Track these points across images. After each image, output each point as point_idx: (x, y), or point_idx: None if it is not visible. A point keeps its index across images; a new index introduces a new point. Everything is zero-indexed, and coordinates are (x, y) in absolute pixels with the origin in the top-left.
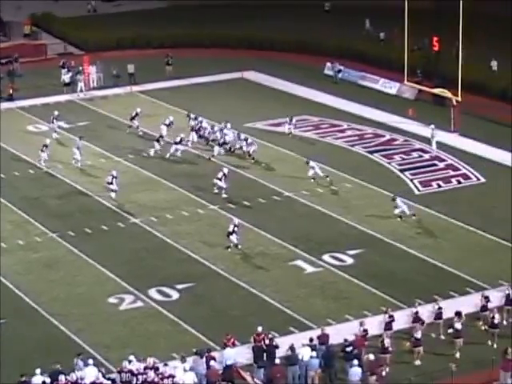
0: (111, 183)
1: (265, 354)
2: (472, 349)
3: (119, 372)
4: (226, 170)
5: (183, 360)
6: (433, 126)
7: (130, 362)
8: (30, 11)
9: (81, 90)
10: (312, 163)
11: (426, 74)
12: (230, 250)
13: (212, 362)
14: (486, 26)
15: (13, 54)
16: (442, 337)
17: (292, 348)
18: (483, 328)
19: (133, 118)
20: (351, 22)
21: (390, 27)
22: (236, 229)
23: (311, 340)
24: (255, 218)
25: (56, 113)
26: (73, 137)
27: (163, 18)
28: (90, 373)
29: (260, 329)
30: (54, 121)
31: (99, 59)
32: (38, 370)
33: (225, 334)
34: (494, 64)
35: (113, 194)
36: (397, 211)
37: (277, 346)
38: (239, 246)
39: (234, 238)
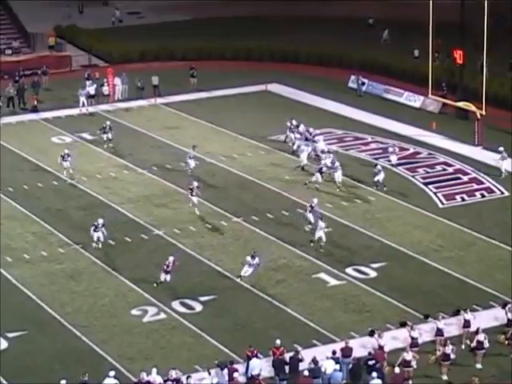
0: (96, 229)
1: (287, 367)
2: (495, 361)
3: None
4: (315, 201)
5: (209, 373)
6: (502, 149)
7: (147, 374)
8: (55, 23)
9: (83, 105)
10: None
11: (451, 87)
12: (156, 286)
13: (235, 374)
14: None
15: (37, 66)
16: (463, 346)
17: (315, 361)
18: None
19: (104, 133)
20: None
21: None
22: (171, 266)
23: (334, 353)
24: (278, 231)
25: (66, 151)
26: (96, 148)
27: (187, 30)
28: None
29: (278, 342)
30: (64, 159)
31: (123, 71)
32: (63, 382)
33: (248, 346)
34: None
35: (98, 245)
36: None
37: (300, 360)
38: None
39: (167, 277)
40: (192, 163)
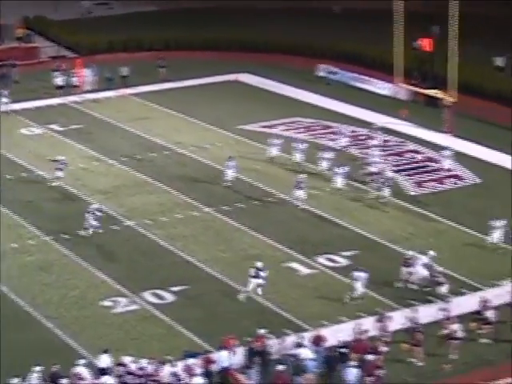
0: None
1: (259, 357)
2: (469, 348)
3: (118, 365)
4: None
5: (172, 364)
6: None
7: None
8: (23, 14)
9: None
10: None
11: (421, 75)
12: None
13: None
14: (477, 25)
15: (6, 58)
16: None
17: (287, 349)
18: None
19: (57, 169)
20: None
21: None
22: None
23: (304, 341)
24: (250, 221)
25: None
26: (66, 139)
27: (155, 21)
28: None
29: (262, 331)
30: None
31: (92, 62)
32: (37, 368)
33: (224, 336)
34: (500, 60)
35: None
36: None
37: (270, 353)
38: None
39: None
40: (229, 173)
